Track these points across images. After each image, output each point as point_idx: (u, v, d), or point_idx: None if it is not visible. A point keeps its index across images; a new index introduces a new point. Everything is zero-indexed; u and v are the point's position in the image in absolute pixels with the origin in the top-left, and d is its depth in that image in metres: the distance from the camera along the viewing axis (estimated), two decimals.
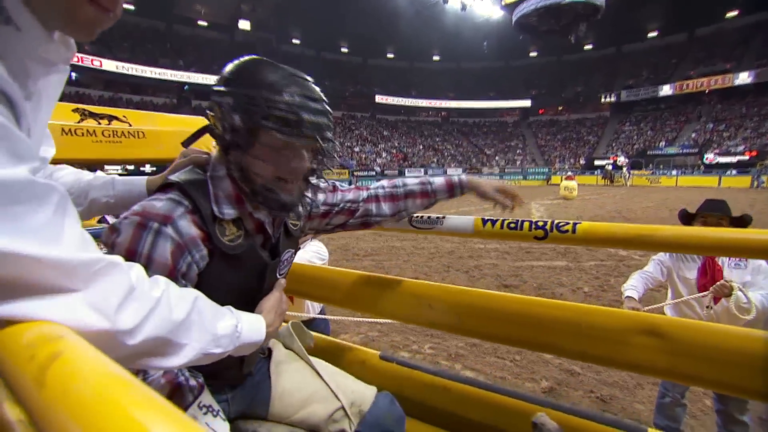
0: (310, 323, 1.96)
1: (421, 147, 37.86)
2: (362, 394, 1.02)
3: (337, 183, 1.09)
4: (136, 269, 0.53)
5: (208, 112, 0.80)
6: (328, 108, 0.79)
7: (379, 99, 39.74)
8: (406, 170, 27.45)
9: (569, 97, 42.04)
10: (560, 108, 42.64)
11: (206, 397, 0.76)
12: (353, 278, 1.38)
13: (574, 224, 0.94)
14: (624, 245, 0.89)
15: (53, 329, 0.35)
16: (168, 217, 0.71)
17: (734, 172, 21.65)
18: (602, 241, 0.91)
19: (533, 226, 0.99)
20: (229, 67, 0.79)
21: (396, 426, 1.02)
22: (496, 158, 37.38)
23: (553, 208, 13.65)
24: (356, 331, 3.76)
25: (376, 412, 0.99)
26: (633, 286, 2.09)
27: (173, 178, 0.78)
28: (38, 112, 0.51)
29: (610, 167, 23.86)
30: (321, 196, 1.04)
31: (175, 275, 0.71)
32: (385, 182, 1.14)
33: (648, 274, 2.15)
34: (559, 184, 18.23)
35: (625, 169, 22.95)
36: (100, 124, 1.47)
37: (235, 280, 0.82)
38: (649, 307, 2.02)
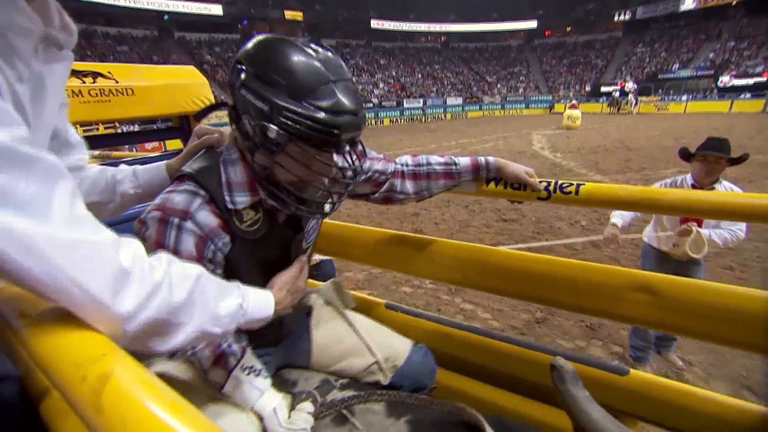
0: (317, 266, 2.05)
1: (419, 76, 35.99)
2: (397, 349, 1.06)
3: (366, 151, 1.03)
4: (132, 250, 0.52)
5: (230, 91, 0.75)
6: (361, 110, 0.75)
7: (375, 24, 36.82)
8: (405, 101, 26.33)
9: (579, 16, 38.90)
10: (568, 29, 39.70)
11: (248, 359, 0.83)
12: (365, 234, 1.42)
13: (578, 185, 0.94)
14: (627, 207, 0.90)
15: (95, 344, 0.38)
16: (186, 212, 0.73)
17: (748, 95, 20.70)
18: (604, 203, 0.92)
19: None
20: (258, 52, 0.72)
21: (428, 378, 1.08)
22: (498, 86, 35.69)
23: (555, 138, 13.37)
24: (360, 269, 3.92)
25: (410, 366, 1.04)
26: (620, 215, 2.29)
27: (186, 168, 0.78)
28: (42, 101, 0.50)
29: (617, 94, 22.85)
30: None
31: (202, 263, 0.73)
32: (409, 158, 1.09)
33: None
34: (562, 113, 17.66)
35: (631, 96, 22.02)
36: (84, 82, 1.40)
37: (260, 259, 0.83)
38: (630, 236, 2.17)
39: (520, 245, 4.57)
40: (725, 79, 24.18)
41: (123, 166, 0.94)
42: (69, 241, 0.42)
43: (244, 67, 0.71)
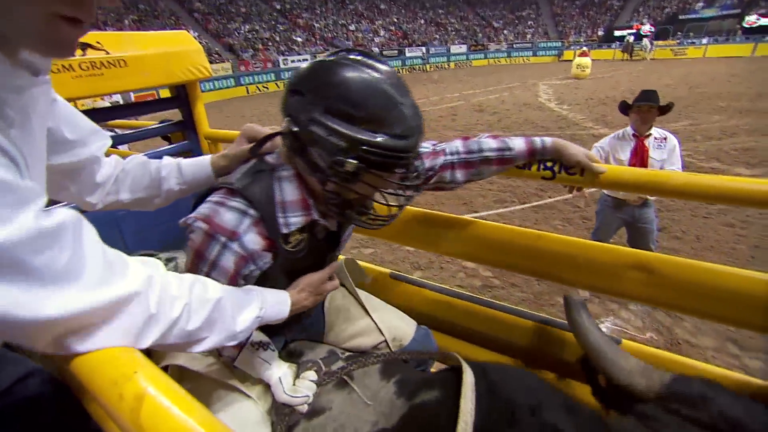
0: None
1: (422, 22, 33.94)
2: (404, 330, 1.12)
3: None
4: (158, 290, 0.55)
5: (291, 121, 0.73)
6: (422, 118, 0.74)
7: None
8: (407, 49, 25.05)
9: None
10: None
11: (257, 335, 0.88)
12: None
13: (581, 170, 0.94)
14: (633, 189, 0.91)
15: (127, 360, 0.42)
16: (234, 233, 0.73)
17: None
18: (609, 184, 0.92)
19: (541, 166, 0.99)
20: (322, 82, 0.69)
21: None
22: (504, 32, 33.73)
23: (562, 89, 12.88)
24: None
25: (414, 346, 1.11)
26: None
27: (236, 182, 0.77)
28: (31, 137, 0.49)
29: (630, 38, 21.57)
30: None
31: (235, 280, 0.76)
32: (460, 145, 1.04)
33: None
34: (572, 61, 16.85)
35: (646, 41, 20.79)
36: (74, 55, 1.35)
37: (294, 271, 0.86)
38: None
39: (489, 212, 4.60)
40: (751, 19, 22.55)
41: (167, 159, 0.93)
42: (105, 303, 0.47)
43: (308, 98, 0.69)
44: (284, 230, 0.77)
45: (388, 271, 1.56)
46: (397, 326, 1.12)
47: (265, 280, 0.81)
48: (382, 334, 1.08)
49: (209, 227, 0.72)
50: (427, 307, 1.42)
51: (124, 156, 0.96)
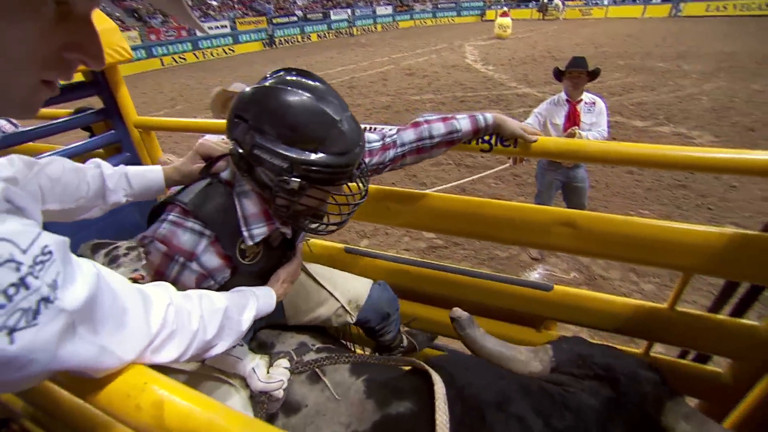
0: None
1: None
2: (357, 291, 1.20)
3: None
4: (174, 308, 0.58)
5: (237, 145, 0.76)
6: (362, 132, 0.81)
7: None
8: (332, 12, 23.79)
9: None
10: None
11: None
12: None
13: (515, 141, 1.05)
14: (557, 157, 1.04)
15: (134, 374, 0.44)
16: (192, 254, 0.76)
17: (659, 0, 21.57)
18: (538, 154, 1.04)
19: (480, 140, 1.08)
20: (261, 109, 0.72)
21: (389, 307, 1.26)
22: None
23: (487, 49, 13.30)
24: None
25: (371, 302, 1.20)
26: None
27: (189, 204, 0.78)
28: None
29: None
30: None
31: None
32: (412, 133, 1.05)
33: (529, 125, 2.67)
34: (494, 20, 17.33)
35: (558, 1, 21.93)
36: None
37: (257, 282, 0.89)
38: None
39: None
40: None
41: (108, 167, 0.87)
42: (153, 334, 0.52)
43: (249, 122, 0.73)
44: (249, 242, 0.81)
45: (341, 245, 1.61)
46: (350, 289, 1.20)
47: (225, 289, 0.84)
48: (337, 300, 1.15)
49: (168, 249, 0.76)
50: (383, 277, 1.50)
51: (38, 152, 0.87)
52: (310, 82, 0.75)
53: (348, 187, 0.86)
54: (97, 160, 0.89)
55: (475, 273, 1.38)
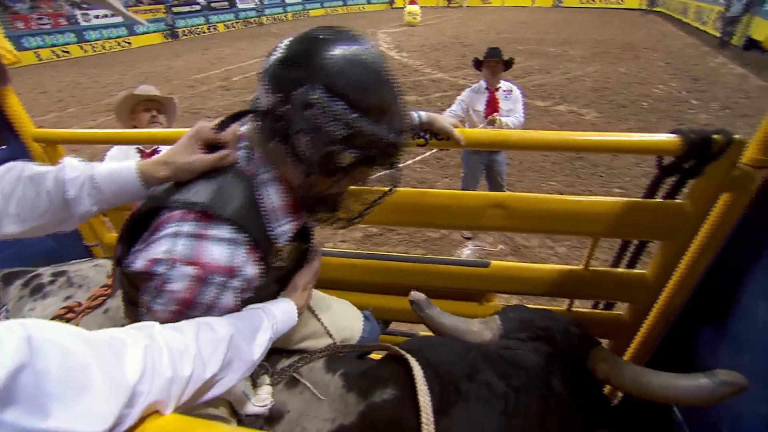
0: None
1: None
2: (352, 328, 1.11)
3: None
4: (166, 352, 0.49)
5: (275, 101, 0.60)
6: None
7: None
8: (237, 0, 22.13)
9: None
10: None
11: None
12: None
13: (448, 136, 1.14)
14: (486, 147, 1.15)
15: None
16: (233, 269, 0.61)
17: None
18: (469, 145, 1.15)
19: (416, 136, 1.16)
20: (324, 60, 0.57)
21: (374, 340, 1.17)
22: None
23: (399, 36, 13.60)
24: None
25: (361, 341, 1.11)
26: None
27: (211, 203, 0.61)
28: None
29: None
30: None
31: (236, 310, 0.67)
32: None
33: (453, 112, 2.97)
34: (403, 8, 17.70)
35: None
36: None
37: (276, 283, 0.81)
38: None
39: None
40: None
41: (69, 171, 0.67)
42: (128, 393, 0.42)
43: (307, 73, 0.57)
44: (280, 242, 0.68)
45: None
46: (345, 326, 1.10)
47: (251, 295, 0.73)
48: (331, 336, 1.05)
49: (200, 270, 0.58)
50: (334, 273, 1.53)
51: None
52: (369, 43, 0.62)
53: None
54: (68, 159, 0.70)
55: (418, 259, 1.48)
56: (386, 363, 0.94)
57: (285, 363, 0.96)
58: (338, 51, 0.58)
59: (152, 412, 0.47)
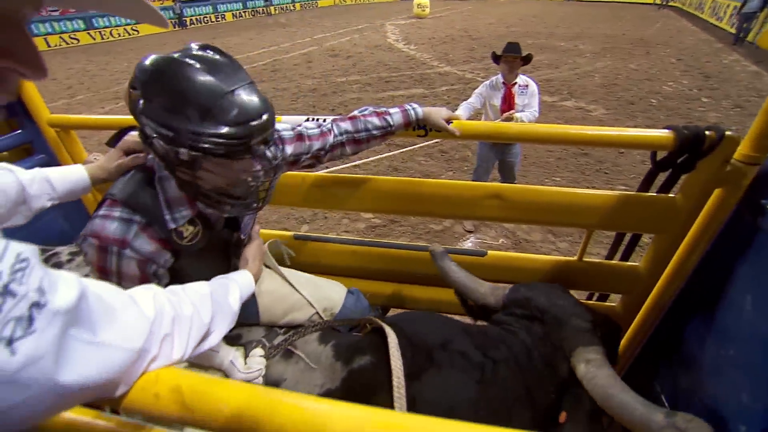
0: None
1: None
2: (333, 299, 1.22)
3: (303, 130, 1.04)
4: (161, 296, 0.58)
5: (134, 117, 0.73)
6: (268, 109, 0.74)
7: None
8: None
9: None
10: None
11: None
12: (294, 179, 1.44)
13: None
14: (484, 138, 1.18)
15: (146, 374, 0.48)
16: (123, 241, 0.76)
17: None
18: (469, 136, 1.18)
19: (416, 127, 1.19)
20: (150, 78, 0.70)
21: (361, 316, 1.26)
22: None
23: (408, 29, 13.51)
24: None
25: (344, 312, 1.22)
26: (463, 109, 2.94)
27: (117, 192, 0.77)
28: None
29: None
30: (289, 149, 1.01)
31: (147, 279, 0.78)
32: (349, 125, 1.11)
33: (471, 104, 2.99)
34: (412, 0, 17.60)
35: None
36: None
37: (206, 261, 0.89)
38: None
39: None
40: None
41: (23, 173, 0.83)
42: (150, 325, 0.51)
43: (139, 92, 0.71)
44: (172, 225, 0.81)
45: (290, 233, 1.64)
46: (326, 297, 1.22)
47: (183, 276, 0.85)
48: (312, 306, 1.18)
49: (99, 241, 0.75)
50: (333, 259, 1.58)
51: None
52: (210, 54, 0.73)
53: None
54: (7, 165, 0.84)
55: (417, 247, 1.52)
56: (369, 335, 1.01)
57: (280, 339, 1.02)
58: (161, 69, 0.70)
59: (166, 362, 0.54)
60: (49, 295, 0.36)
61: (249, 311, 1.16)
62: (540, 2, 20.36)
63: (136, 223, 0.78)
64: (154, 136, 0.71)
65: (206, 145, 0.69)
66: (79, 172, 0.92)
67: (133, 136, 0.93)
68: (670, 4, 17.25)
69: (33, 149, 1.43)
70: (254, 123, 0.71)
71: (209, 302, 0.68)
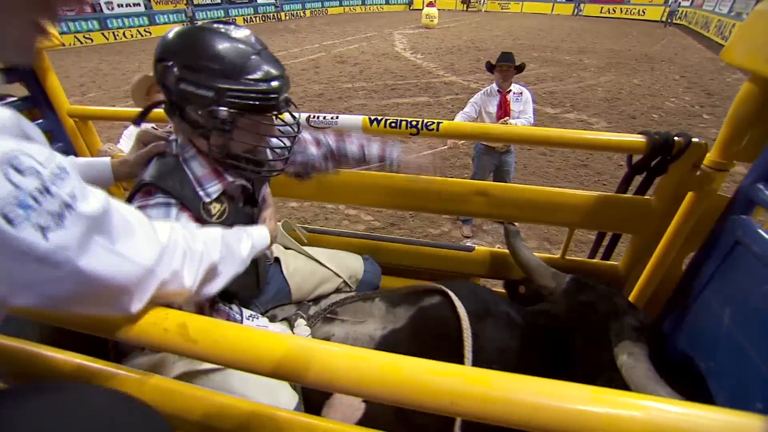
0: None
1: None
2: (354, 266, 1.36)
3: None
4: (176, 228, 0.62)
5: (164, 89, 0.79)
6: (283, 70, 0.83)
7: None
8: None
9: None
10: None
11: (246, 311, 1.01)
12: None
13: (438, 123, 1.24)
14: (473, 138, 1.25)
15: (158, 311, 0.55)
16: None
17: None
18: (456, 136, 1.26)
19: (408, 125, 1.27)
20: (183, 46, 0.76)
21: (377, 279, 1.44)
22: None
23: (415, 38, 13.71)
24: None
25: (367, 276, 1.37)
26: (459, 118, 3.09)
27: (148, 178, 0.82)
28: None
29: None
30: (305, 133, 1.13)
31: None
32: (332, 140, 1.18)
33: (467, 113, 3.12)
34: (421, 9, 17.83)
35: None
36: None
37: None
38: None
39: None
40: None
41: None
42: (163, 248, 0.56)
43: (172, 62, 0.76)
44: (207, 199, 0.87)
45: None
46: (349, 265, 1.35)
47: None
48: (339, 276, 1.30)
49: None
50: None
51: None
52: (232, 27, 0.80)
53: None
54: None
55: (410, 240, 1.60)
56: (420, 292, 1.14)
57: (314, 309, 1.15)
58: (193, 37, 0.77)
59: (177, 292, 0.60)
60: (79, 201, 0.43)
61: (282, 292, 1.24)
62: (547, 17, 20.65)
63: (174, 205, 0.82)
64: (190, 101, 0.76)
65: (244, 101, 0.76)
66: (104, 162, 0.96)
67: (148, 128, 0.98)
68: (676, 21, 17.40)
69: (52, 138, 1.52)
70: (279, 81, 0.80)
71: (219, 243, 0.73)
